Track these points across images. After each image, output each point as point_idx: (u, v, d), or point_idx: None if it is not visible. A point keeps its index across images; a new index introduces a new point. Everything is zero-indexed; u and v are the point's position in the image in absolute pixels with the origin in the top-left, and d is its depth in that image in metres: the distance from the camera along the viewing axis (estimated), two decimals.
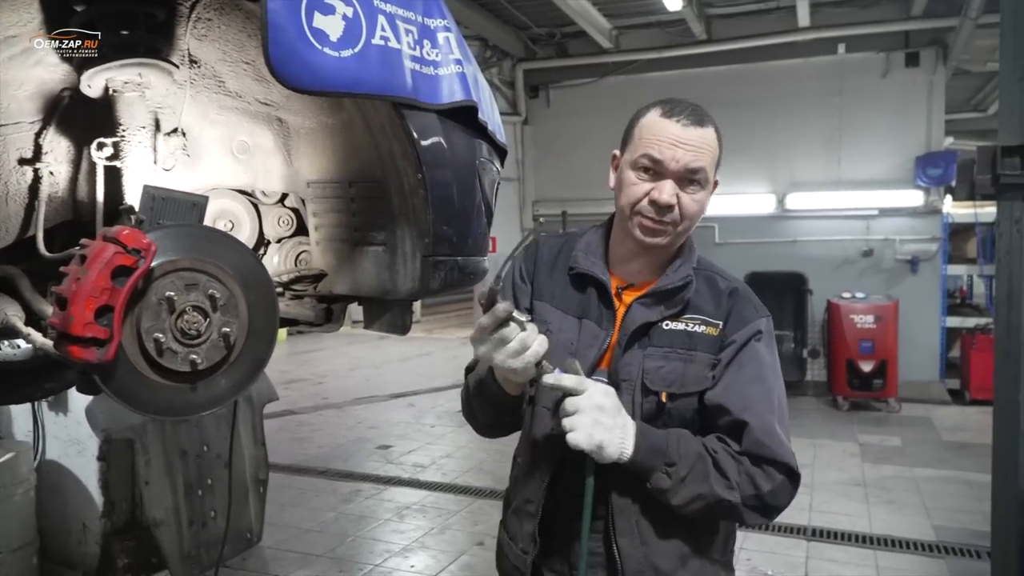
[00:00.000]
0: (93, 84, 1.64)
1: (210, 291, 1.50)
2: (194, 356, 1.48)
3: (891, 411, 8.37)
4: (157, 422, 3.82)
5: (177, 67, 1.76)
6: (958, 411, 8.40)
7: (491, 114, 2.13)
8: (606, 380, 1.49)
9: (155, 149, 1.73)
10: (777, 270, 9.00)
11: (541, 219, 10.80)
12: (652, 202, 1.47)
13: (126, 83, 1.65)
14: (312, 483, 5.88)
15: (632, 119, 1.55)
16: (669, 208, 1.47)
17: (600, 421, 1.38)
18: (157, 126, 1.76)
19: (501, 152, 2.23)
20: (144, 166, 1.69)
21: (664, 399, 1.49)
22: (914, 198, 9.05)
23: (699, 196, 1.50)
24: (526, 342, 1.37)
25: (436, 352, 12.84)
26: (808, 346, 9.15)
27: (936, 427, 7.74)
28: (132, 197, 1.64)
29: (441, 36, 1.89)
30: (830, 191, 9.36)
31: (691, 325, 1.52)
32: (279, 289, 2.03)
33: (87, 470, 3.90)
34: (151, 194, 1.58)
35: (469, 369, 1.70)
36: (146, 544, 3.97)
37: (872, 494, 5.67)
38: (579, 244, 1.64)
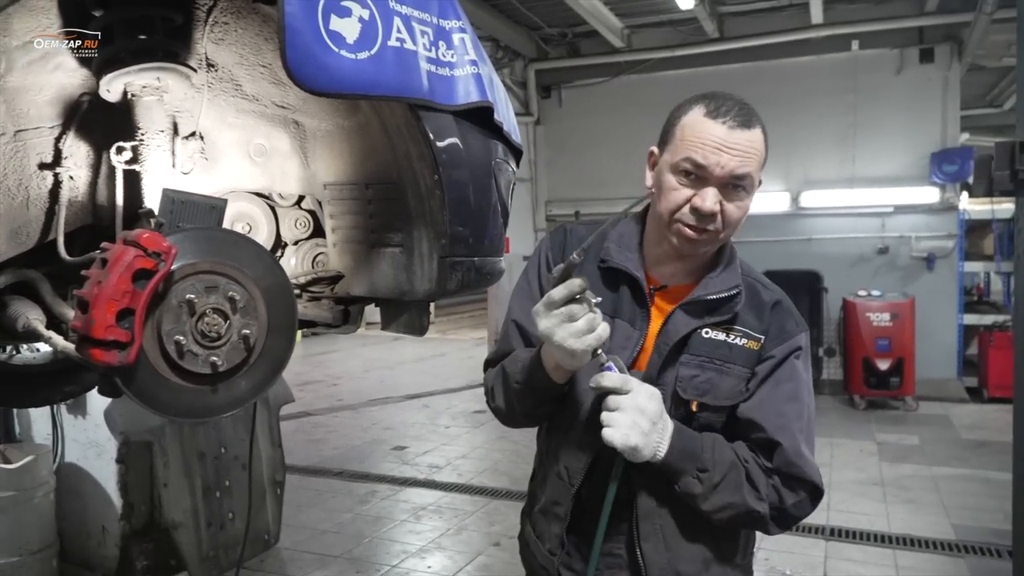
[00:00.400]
0: (112, 88, 1.65)
1: (230, 293, 1.51)
2: (214, 358, 1.50)
3: (908, 409, 8.31)
4: (176, 424, 3.84)
5: (195, 71, 1.76)
6: (976, 409, 8.33)
7: (507, 115, 2.12)
8: None
9: (174, 153, 1.74)
10: (792, 268, 8.92)
11: (557, 220, 10.78)
12: (694, 210, 1.37)
13: (144, 87, 1.66)
14: (328, 484, 5.90)
15: (672, 115, 1.44)
16: (712, 217, 1.38)
17: (638, 423, 1.32)
18: (175, 130, 1.77)
19: (517, 152, 2.22)
20: (163, 170, 1.70)
21: (695, 408, 1.45)
22: (930, 195, 8.99)
23: (744, 203, 1.40)
24: (593, 323, 1.31)
25: (450, 353, 12.88)
26: (824, 345, 9.08)
27: (954, 425, 7.68)
28: (151, 201, 1.65)
29: (456, 37, 1.88)
30: (845, 188, 9.30)
31: (732, 336, 1.46)
32: (297, 291, 2.04)
33: (106, 472, 3.94)
34: (170, 197, 1.60)
35: (489, 363, 1.65)
36: (165, 546, 4.00)
37: (890, 493, 5.63)
38: (611, 235, 1.54)
